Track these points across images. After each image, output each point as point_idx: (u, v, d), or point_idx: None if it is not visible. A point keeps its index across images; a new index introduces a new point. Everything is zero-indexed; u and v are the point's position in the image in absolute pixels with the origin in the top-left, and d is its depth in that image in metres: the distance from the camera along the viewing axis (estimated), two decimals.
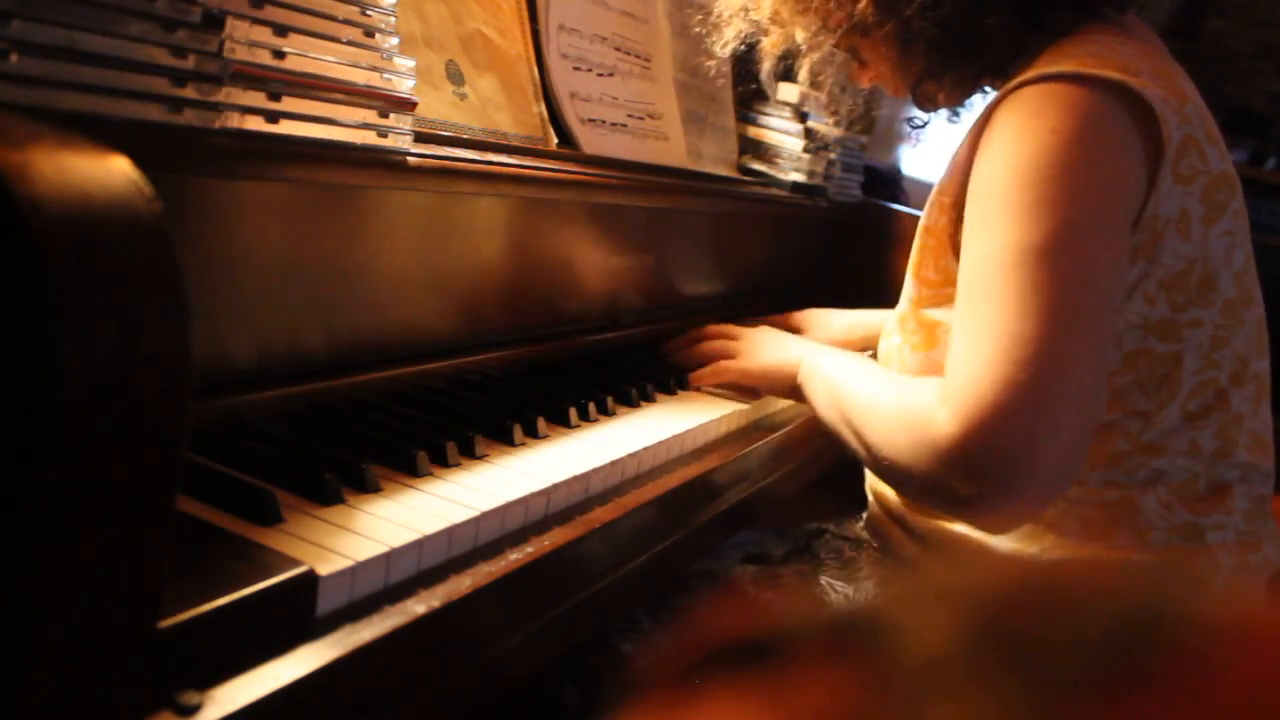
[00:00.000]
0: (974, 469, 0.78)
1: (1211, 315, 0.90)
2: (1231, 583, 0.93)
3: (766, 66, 1.20)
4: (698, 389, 1.16)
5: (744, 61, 1.76)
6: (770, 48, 1.15)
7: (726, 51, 1.21)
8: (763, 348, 1.16)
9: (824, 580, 1.08)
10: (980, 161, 0.88)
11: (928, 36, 0.97)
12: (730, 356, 1.18)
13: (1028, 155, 0.83)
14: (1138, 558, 0.91)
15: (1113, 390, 0.90)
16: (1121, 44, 0.91)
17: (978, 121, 0.93)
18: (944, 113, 1.13)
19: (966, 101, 1.06)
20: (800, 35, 1.07)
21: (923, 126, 1.17)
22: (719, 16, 1.17)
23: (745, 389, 1.16)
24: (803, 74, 1.16)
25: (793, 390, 1.09)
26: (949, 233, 0.97)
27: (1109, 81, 0.84)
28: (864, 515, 1.15)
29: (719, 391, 1.17)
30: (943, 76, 1.02)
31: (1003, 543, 0.96)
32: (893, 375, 0.98)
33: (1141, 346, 0.89)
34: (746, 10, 1.13)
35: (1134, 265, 0.87)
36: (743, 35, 1.17)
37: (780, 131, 1.74)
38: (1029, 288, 0.80)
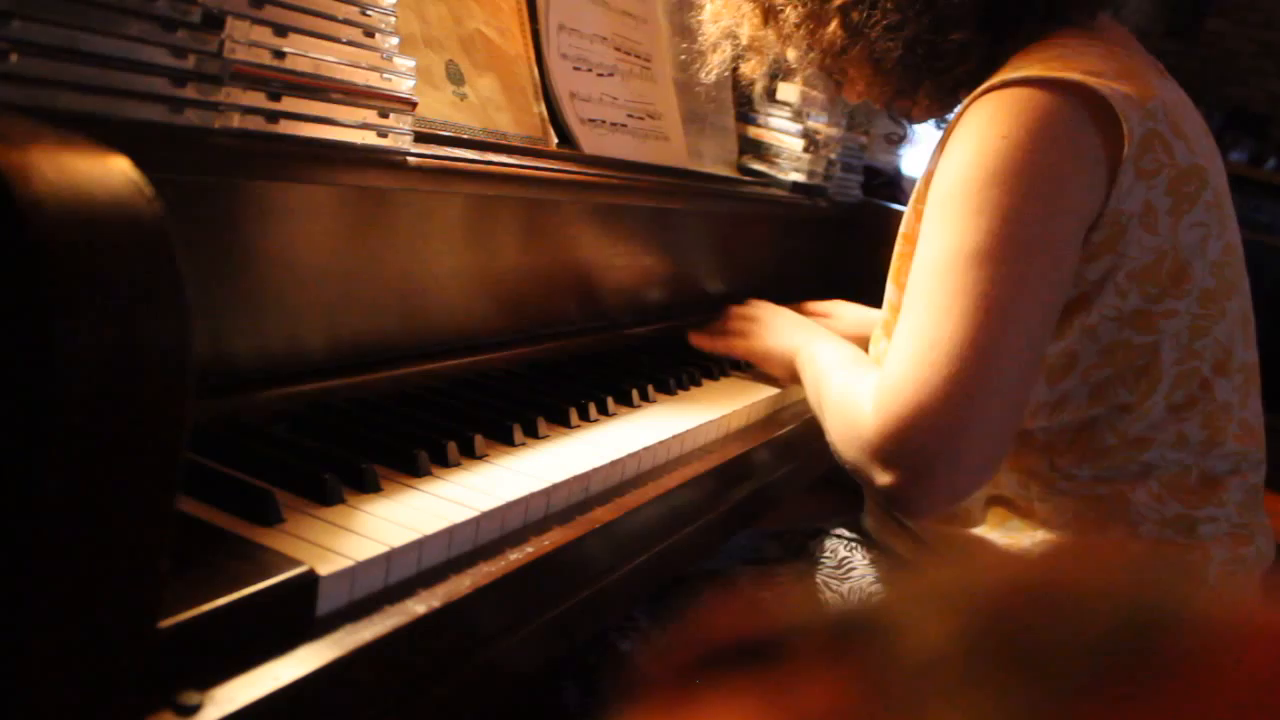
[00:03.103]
0: (889, 462, 0.83)
1: (1188, 305, 0.91)
2: (1223, 576, 0.94)
3: (758, 88, 1.24)
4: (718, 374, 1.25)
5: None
6: (750, 72, 1.18)
7: (711, 77, 1.25)
8: (770, 331, 1.22)
9: (819, 579, 1.08)
10: (939, 168, 0.90)
11: (896, 55, 0.99)
12: (742, 336, 1.25)
13: (976, 162, 0.86)
14: (1131, 549, 0.91)
15: (1093, 385, 0.91)
16: (1089, 45, 0.92)
17: (946, 129, 0.95)
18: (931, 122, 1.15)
19: (948, 113, 1.08)
20: (791, 56, 1.10)
21: (900, 141, 1.21)
22: (704, 43, 1.20)
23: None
24: (796, 88, 1.19)
25: (792, 375, 1.14)
26: None
27: (1067, 83, 0.86)
28: (863, 511, 1.16)
29: (745, 377, 1.26)
30: (916, 92, 1.04)
31: (997, 536, 0.96)
32: (855, 365, 1.01)
33: (1118, 339, 0.90)
34: (730, 36, 1.16)
35: (1101, 259, 0.88)
36: (727, 61, 1.20)
37: (780, 131, 1.73)
38: (957, 291, 0.83)
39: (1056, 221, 0.85)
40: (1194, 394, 0.92)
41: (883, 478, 0.84)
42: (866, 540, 1.13)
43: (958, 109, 0.93)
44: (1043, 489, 0.94)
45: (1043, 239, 0.85)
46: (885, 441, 0.83)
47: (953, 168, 0.88)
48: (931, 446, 0.81)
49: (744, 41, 1.13)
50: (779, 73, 1.18)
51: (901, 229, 1.02)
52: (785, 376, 1.18)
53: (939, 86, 1.02)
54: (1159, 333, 0.90)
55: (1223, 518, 0.94)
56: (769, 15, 1.07)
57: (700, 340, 1.29)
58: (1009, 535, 0.96)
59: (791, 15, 1.04)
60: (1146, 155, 0.87)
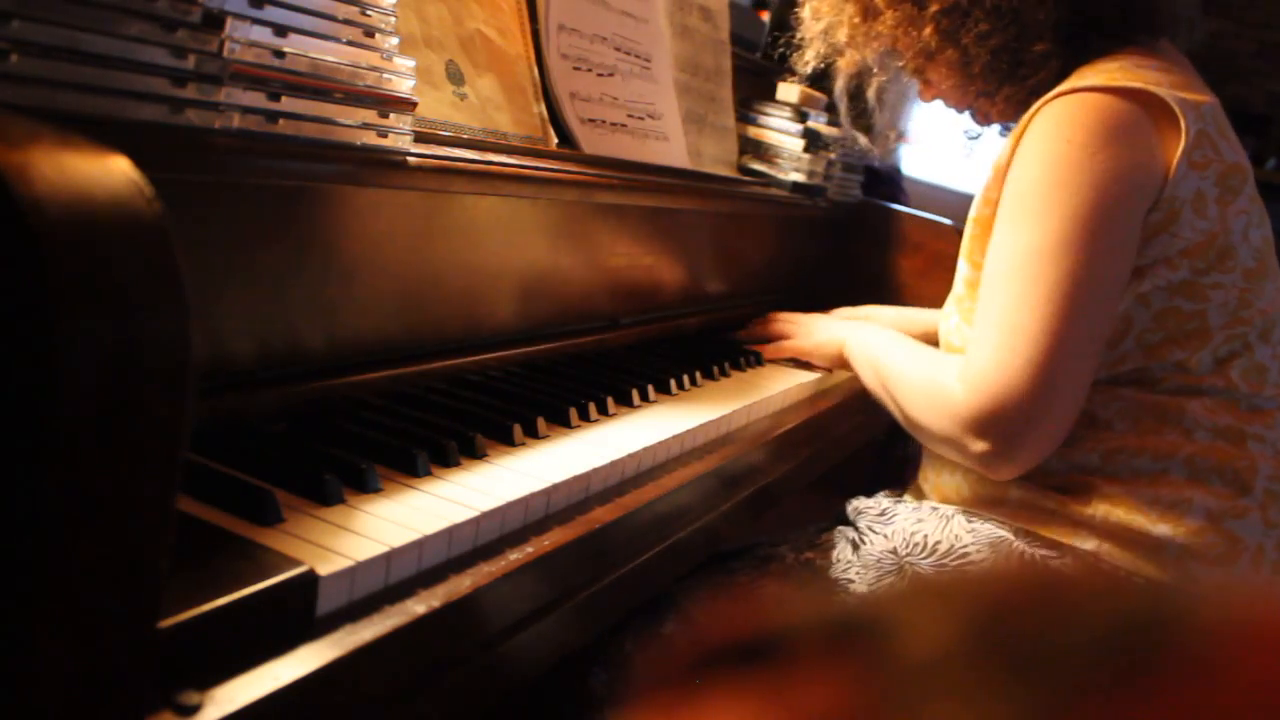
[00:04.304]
0: (982, 433, 0.98)
1: (1234, 279, 1.01)
2: (1269, 496, 1.01)
3: (840, 83, 1.34)
4: (762, 363, 1.38)
5: (744, 62, 1.76)
6: (846, 66, 1.28)
7: (808, 70, 1.34)
8: (814, 329, 1.39)
9: (864, 525, 1.14)
10: (1013, 167, 1.02)
11: (982, 61, 1.10)
12: (789, 337, 1.40)
13: (1046, 164, 0.98)
14: (1184, 449, 1.01)
15: (1147, 347, 1.02)
16: (1148, 60, 1.04)
17: (1016, 129, 1.04)
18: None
19: (1020, 116, 1.13)
20: (881, 55, 1.21)
21: (977, 138, 1.31)
22: (802, 38, 1.31)
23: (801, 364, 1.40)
24: (871, 92, 1.32)
25: (840, 361, 1.30)
26: (992, 224, 1.08)
27: (1127, 89, 0.98)
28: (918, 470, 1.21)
29: (786, 365, 1.39)
30: (995, 95, 1.15)
31: (1059, 453, 1.04)
32: (921, 350, 1.13)
33: (1169, 305, 1.01)
34: (826, 33, 1.25)
35: (1157, 238, 0.99)
36: (822, 55, 1.29)
37: (780, 131, 1.73)
38: (1033, 283, 0.96)
39: (1117, 214, 0.97)
40: (1237, 350, 1.02)
41: (976, 446, 0.99)
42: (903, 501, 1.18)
43: (1029, 112, 1.03)
44: (1105, 399, 1.04)
45: (1106, 231, 0.96)
46: (979, 416, 0.97)
47: (1025, 168, 1.00)
48: (1018, 419, 0.95)
49: (842, 39, 1.22)
50: (863, 71, 1.29)
51: (971, 214, 1.12)
52: (834, 365, 1.34)
53: (1017, 92, 1.12)
54: (1208, 301, 1.00)
55: (1270, 439, 1.03)
56: (868, 15, 1.17)
57: (766, 351, 1.40)
58: (1068, 444, 1.03)
59: (889, 17, 1.15)
60: (1198, 150, 0.98)
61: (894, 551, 1.08)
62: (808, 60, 1.31)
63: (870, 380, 1.19)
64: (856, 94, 1.37)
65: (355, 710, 0.56)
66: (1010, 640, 0.21)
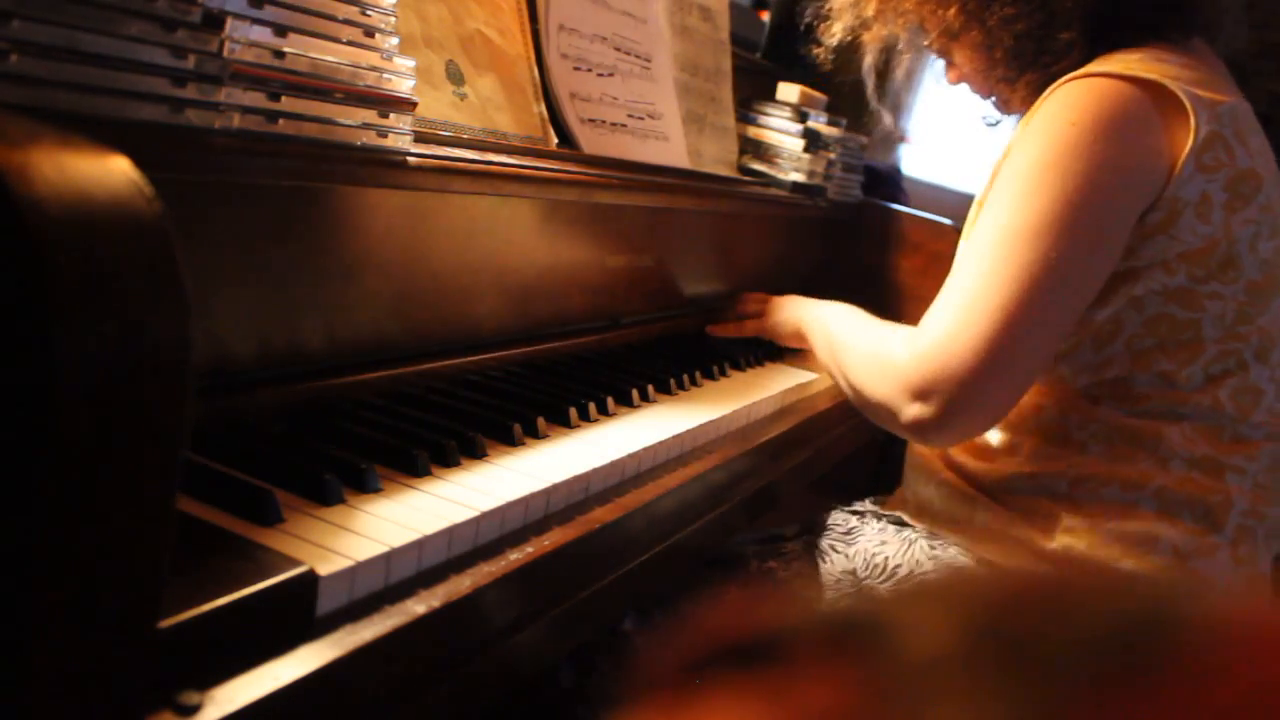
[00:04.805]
0: (917, 396, 0.95)
1: (1234, 292, 0.98)
2: (1241, 530, 0.98)
3: (868, 60, 1.33)
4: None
5: (744, 62, 1.76)
6: (871, 41, 1.27)
7: (834, 42, 1.33)
8: (777, 307, 1.39)
9: (826, 543, 1.12)
10: (1017, 143, 1.00)
11: (1006, 45, 1.09)
12: (753, 316, 1.42)
13: (1045, 145, 0.96)
14: (1157, 480, 0.98)
15: (1135, 352, 0.99)
16: (1173, 55, 1.01)
17: (1029, 113, 1.03)
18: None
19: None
20: (908, 33, 1.21)
21: (996, 124, 1.29)
22: (830, 11, 1.30)
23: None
24: (900, 71, 1.32)
25: (799, 337, 1.32)
26: None
27: (1141, 79, 0.95)
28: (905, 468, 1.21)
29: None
30: (1017, 82, 1.13)
31: (1026, 464, 1.04)
32: (876, 323, 1.13)
33: (1162, 312, 0.98)
34: (855, 5, 1.24)
35: (1155, 239, 0.96)
36: (849, 29, 1.28)
37: (780, 131, 1.73)
38: (1005, 261, 0.94)
39: (1107, 207, 0.94)
40: (1230, 369, 0.99)
41: (909, 409, 0.96)
42: (875, 513, 1.17)
43: (1043, 96, 1.01)
44: (1082, 418, 1.02)
45: (1091, 223, 0.93)
46: (918, 381, 0.95)
47: (1026, 147, 0.98)
48: (956, 391, 0.93)
49: (870, 12, 1.21)
50: (888, 48, 1.29)
51: (977, 198, 1.11)
52: (793, 342, 1.35)
53: (1039, 79, 1.09)
54: (1203, 311, 0.98)
55: (1250, 472, 0.99)
56: None
57: (716, 329, 1.42)
58: (1039, 462, 1.03)
59: None
60: (1208, 152, 0.95)
61: (853, 573, 1.07)
62: (835, 34, 1.30)
63: (823, 352, 1.19)
64: (878, 76, 1.36)
65: (355, 710, 0.56)
66: (1009, 641, 0.21)
